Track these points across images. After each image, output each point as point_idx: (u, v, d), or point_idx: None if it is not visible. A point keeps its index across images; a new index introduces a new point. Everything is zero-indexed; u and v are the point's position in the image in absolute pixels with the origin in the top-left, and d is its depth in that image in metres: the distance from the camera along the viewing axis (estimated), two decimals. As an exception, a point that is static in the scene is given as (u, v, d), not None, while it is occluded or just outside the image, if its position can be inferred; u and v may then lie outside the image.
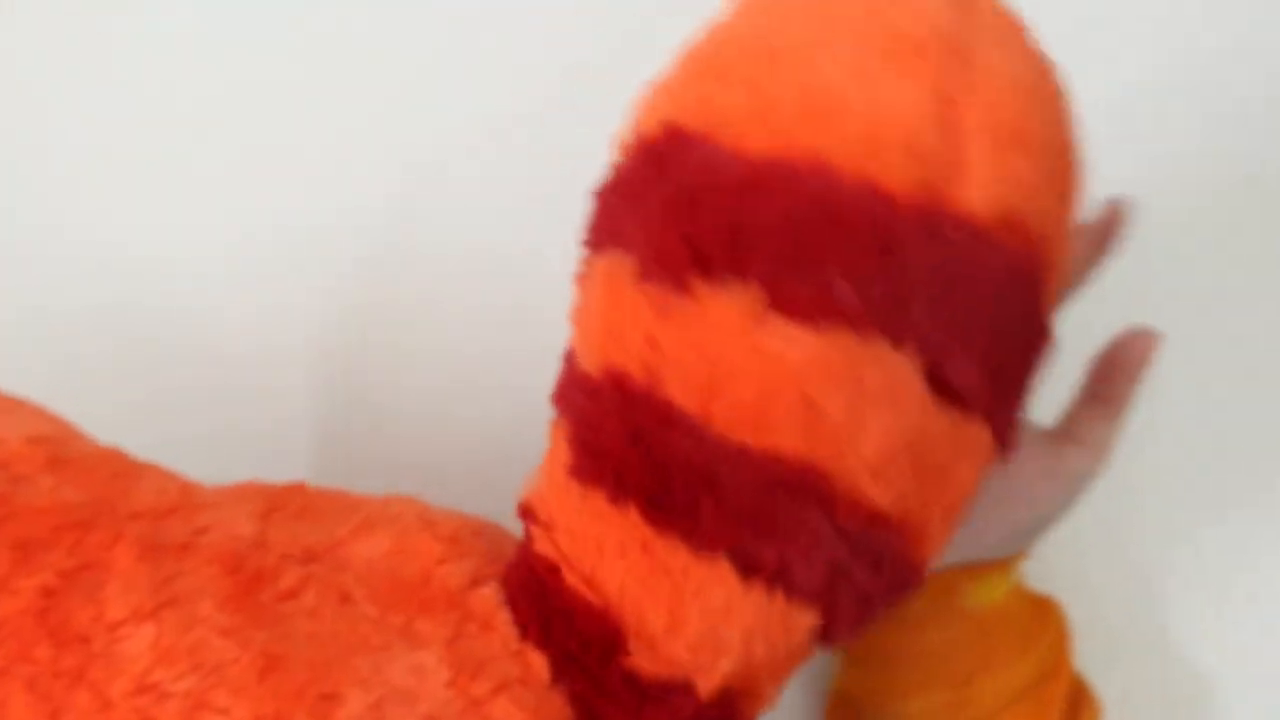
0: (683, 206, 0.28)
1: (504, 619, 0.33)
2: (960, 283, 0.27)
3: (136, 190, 0.53)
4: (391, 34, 0.54)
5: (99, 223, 0.53)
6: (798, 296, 0.27)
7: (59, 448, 0.33)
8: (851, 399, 0.27)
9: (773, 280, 0.27)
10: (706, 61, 0.30)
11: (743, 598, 0.30)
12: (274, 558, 0.32)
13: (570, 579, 0.32)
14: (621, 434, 0.29)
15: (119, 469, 0.33)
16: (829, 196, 0.26)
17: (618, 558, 0.30)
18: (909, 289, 0.27)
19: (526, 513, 0.34)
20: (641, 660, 0.31)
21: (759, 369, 0.27)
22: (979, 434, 0.29)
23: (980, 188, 0.27)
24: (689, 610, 0.30)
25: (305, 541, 0.33)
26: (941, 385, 0.28)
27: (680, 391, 0.28)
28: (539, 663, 0.33)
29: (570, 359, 0.33)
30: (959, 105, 0.26)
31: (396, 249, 0.52)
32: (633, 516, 0.30)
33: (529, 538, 0.34)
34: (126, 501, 0.32)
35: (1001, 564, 0.41)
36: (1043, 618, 0.43)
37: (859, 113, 0.26)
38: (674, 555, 0.30)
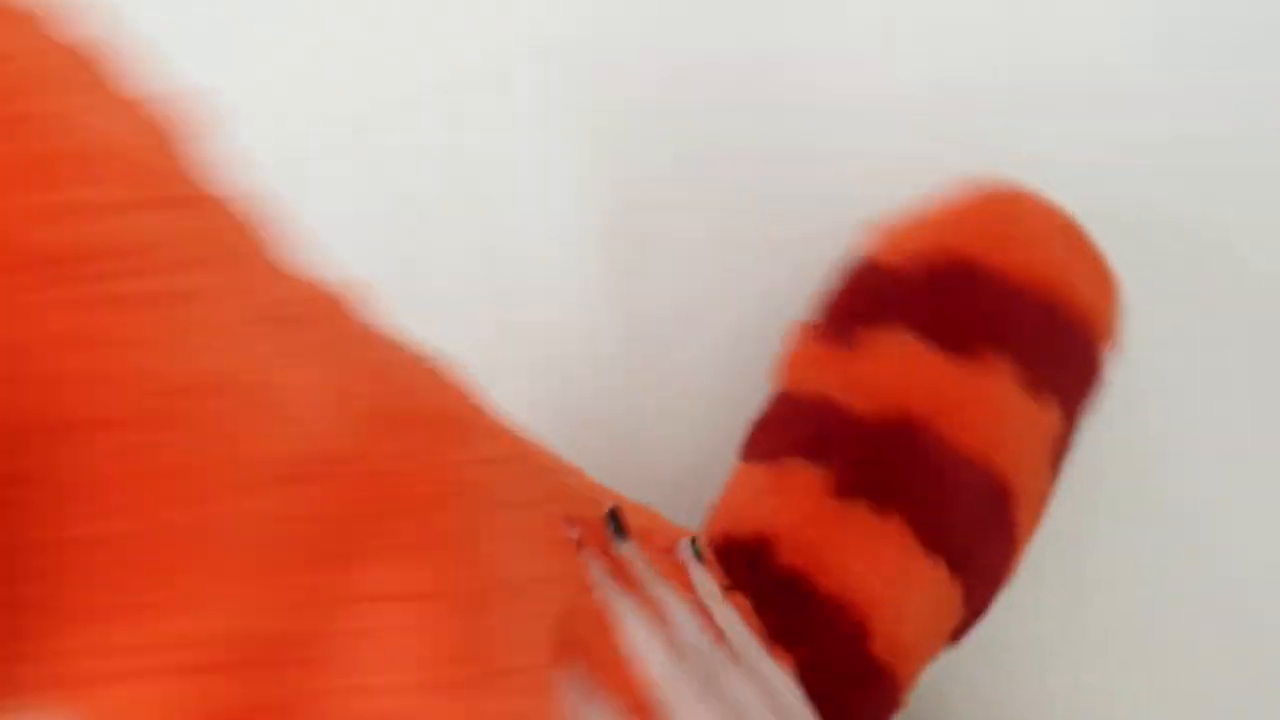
0: (971, 294, 0.38)
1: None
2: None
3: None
4: (391, 33, 0.53)
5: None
6: (1041, 376, 0.37)
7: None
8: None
9: (1023, 359, 0.37)
10: None
11: (950, 592, 0.37)
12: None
13: (823, 582, 0.36)
14: (899, 462, 0.37)
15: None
16: (1060, 311, 0.38)
17: (869, 558, 0.36)
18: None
19: (766, 537, 0.38)
20: (879, 646, 0.36)
21: (1026, 430, 0.37)
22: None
23: None
24: (915, 604, 0.36)
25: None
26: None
27: (965, 434, 0.36)
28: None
29: (820, 410, 0.39)
30: None
31: (399, 245, 0.51)
32: (894, 524, 0.36)
33: (769, 554, 0.37)
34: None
35: None
36: None
37: None
38: (914, 556, 0.36)
